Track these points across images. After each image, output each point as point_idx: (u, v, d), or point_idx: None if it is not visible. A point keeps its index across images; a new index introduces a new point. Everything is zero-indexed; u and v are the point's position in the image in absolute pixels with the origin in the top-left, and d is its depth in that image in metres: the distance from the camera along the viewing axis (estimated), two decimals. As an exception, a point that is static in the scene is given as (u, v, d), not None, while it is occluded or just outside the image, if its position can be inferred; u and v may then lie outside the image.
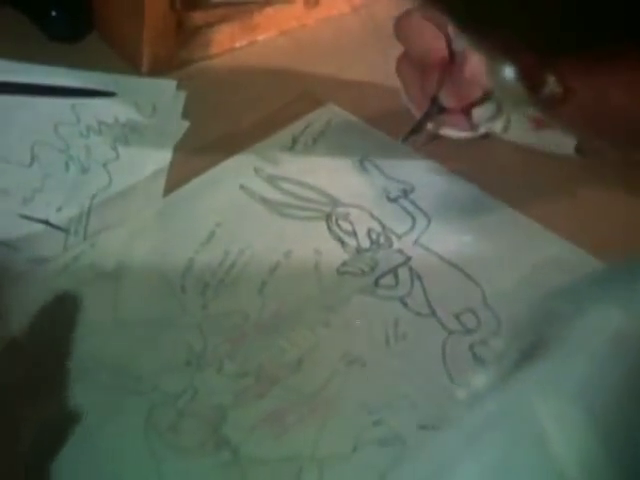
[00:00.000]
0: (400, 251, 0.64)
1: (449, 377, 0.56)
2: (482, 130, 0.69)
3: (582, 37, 0.34)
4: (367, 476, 0.51)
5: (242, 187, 0.67)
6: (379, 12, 0.82)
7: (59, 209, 0.64)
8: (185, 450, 0.52)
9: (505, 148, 0.70)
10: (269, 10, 0.79)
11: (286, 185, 0.68)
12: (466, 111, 0.67)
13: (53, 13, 0.76)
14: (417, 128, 0.68)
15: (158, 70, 0.75)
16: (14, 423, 0.52)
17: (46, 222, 0.63)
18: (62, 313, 0.58)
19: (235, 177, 0.68)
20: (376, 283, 0.62)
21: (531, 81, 0.37)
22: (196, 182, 0.67)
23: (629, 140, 0.40)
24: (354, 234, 0.65)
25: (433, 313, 0.60)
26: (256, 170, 0.68)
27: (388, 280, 0.62)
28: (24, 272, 0.59)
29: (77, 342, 0.56)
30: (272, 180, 0.68)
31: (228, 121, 0.72)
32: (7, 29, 0.76)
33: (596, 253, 0.63)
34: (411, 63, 0.67)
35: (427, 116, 0.67)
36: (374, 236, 0.64)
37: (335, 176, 0.69)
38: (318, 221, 0.65)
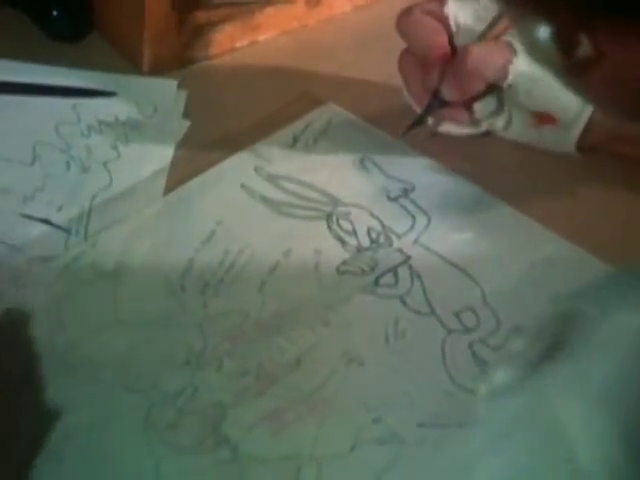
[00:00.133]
0: (400, 250, 0.64)
1: (448, 376, 0.56)
2: (483, 127, 0.69)
3: (620, 1, 0.35)
4: (365, 474, 0.51)
5: (243, 186, 0.67)
6: (380, 12, 0.82)
7: (60, 208, 0.64)
8: (184, 448, 0.52)
9: (505, 146, 0.70)
10: (270, 10, 0.80)
11: (287, 184, 0.68)
12: (468, 105, 0.67)
13: (54, 13, 0.76)
14: (417, 122, 0.68)
15: (159, 70, 0.75)
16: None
17: (47, 221, 0.63)
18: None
19: (236, 176, 0.68)
20: (376, 282, 0.62)
21: (565, 42, 0.37)
22: (197, 181, 0.67)
23: None
24: (354, 233, 0.65)
25: (433, 312, 0.60)
26: (257, 169, 0.69)
27: (388, 279, 0.62)
28: (25, 271, 0.59)
29: (78, 341, 0.56)
30: (273, 179, 0.68)
31: (229, 121, 0.72)
32: (8, 29, 0.76)
33: (596, 252, 0.63)
34: (413, 59, 0.67)
35: (428, 110, 0.67)
36: (374, 235, 0.65)
37: (335, 175, 0.69)
38: (318, 220, 0.66)
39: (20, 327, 0.56)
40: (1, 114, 0.70)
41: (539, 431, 0.35)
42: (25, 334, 0.56)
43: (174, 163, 0.68)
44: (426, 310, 0.60)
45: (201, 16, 0.76)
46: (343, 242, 0.64)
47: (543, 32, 0.38)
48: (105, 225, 0.63)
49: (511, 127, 0.68)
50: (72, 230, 0.63)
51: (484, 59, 0.65)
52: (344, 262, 0.63)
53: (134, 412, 0.53)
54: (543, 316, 0.56)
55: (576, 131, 0.66)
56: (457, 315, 0.60)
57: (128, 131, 0.70)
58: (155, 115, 0.72)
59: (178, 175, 0.67)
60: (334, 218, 0.66)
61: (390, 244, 0.64)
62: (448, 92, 0.65)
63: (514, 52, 0.65)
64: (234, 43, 0.79)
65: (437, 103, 0.67)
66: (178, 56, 0.76)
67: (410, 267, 0.63)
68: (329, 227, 0.65)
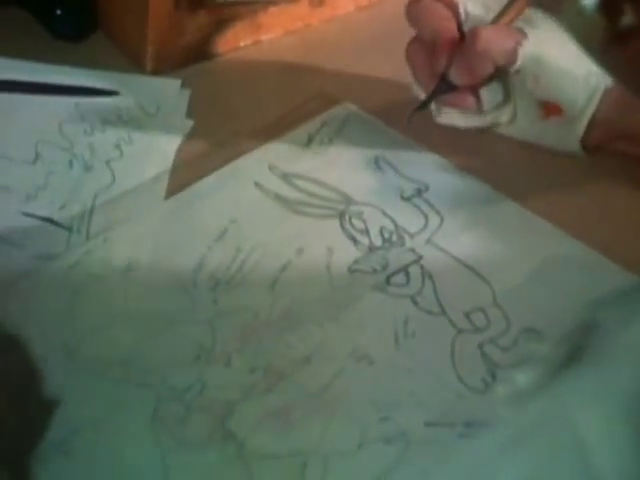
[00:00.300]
0: (412, 250, 0.64)
1: (457, 376, 0.56)
2: (488, 120, 0.69)
3: None
4: (371, 473, 0.51)
5: (257, 184, 0.68)
6: (383, 12, 0.82)
7: (62, 207, 0.64)
8: (191, 443, 0.52)
9: (514, 145, 0.70)
10: (274, 9, 0.80)
11: (300, 183, 0.68)
12: (476, 90, 0.67)
13: (58, 12, 0.76)
14: (423, 106, 0.68)
15: (162, 69, 0.76)
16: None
17: (49, 220, 0.63)
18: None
19: (250, 174, 0.68)
20: (387, 281, 0.62)
21: (610, 10, 0.37)
22: (211, 179, 0.67)
23: None
24: (367, 232, 0.65)
25: (443, 312, 0.60)
26: (271, 168, 0.69)
27: (399, 278, 0.62)
28: (27, 269, 0.60)
29: (88, 335, 0.57)
30: (287, 178, 0.68)
31: (232, 119, 0.72)
32: (12, 28, 0.77)
33: (606, 251, 0.63)
34: (421, 47, 0.67)
35: (435, 93, 0.67)
36: (386, 235, 0.65)
37: (349, 174, 0.69)
38: (331, 219, 0.66)
39: (27, 323, 0.57)
40: (4, 112, 0.70)
41: (557, 439, 0.35)
42: (32, 330, 0.56)
43: (177, 162, 0.68)
44: (437, 310, 0.60)
45: (204, 15, 0.76)
46: (355, 241, 0.64)
47: (589, 0, 0.38)
48: (108, 223, 0.63)
49: (515, 122, 0.68)
50: (74, 229, 0.63)
51: (494, 40, 0.64)
52: (356, 261, 0.63)
53: (142, 407, 0.54)
54: (564, 323, 0.56)
55: (580, 127, 0.66)
56: (467, 315, 0.60)
57: (131, 130, 0.70)
58: (158, 114, 0.72)
59: (181, 174, 0.68)
60: (347, 217, 0.66)
61: (402, 243, 0.64)
62: (456, 75, 0.65)
63: (524, 36, 0.64)
64: (238, 43, 0.79)
65: (444, 87, 0.66)
66: (181, 55, 0.76)
67: (422, 267, 0.63)
68: (342, 226, 0.65)
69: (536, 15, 0.66)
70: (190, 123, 0.72)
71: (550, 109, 0.66)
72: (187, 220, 0.64)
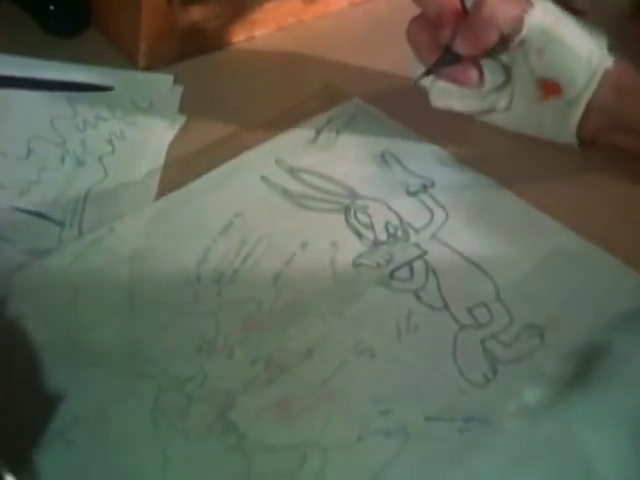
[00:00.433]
0: (417, 245, 0.64)
1: (458, 370, 0.56)
2: (485, 104, 0.69)
3: None
4: (370, 465, 0.51)
5: (263, 178, 0.68)
6: (376, 8, 0.82)
7: (54, 202, 0.64)
8: (191, 434, 0.52)
9: (516, 140, 0.70)
10: (267, 5, 0.80)
11: (307, 177, 0.68)
12: (478, 64, 0.67)
13: (51, 8, 0.76)
14: (427, 74, 0.68)
15: (155, 65, 0.76)
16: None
17: (41, 215, 0.63)
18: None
19: (256, 168, 0.68)
20: (391, 275, 0.62)
21: None
22: (217, 172, 0.68)
23: None
24: (372, 227, 0.65)
25: (446, 307, 0.60)
26: (278, 162, 0.69)
27: (403, 273, 0.62)
28: (19, 264, 0.60)
29: (91, 326, 0.57)
30: (293, 172, 0.68)
31: (225, 115, 0.72)
32: (5, 23, 0.77)
33: (607, 245, 0.63)
34: (423, 24, 0.67)
35: (439, 63, 0.67)
36: (391, 229, 0.65)
37: (356, 169, 0.69)
38: (337, 213, 0.66)
39: (30, 314, 0.57)
40: (-3, 107, 0.71)
41: (566, 459, 0.35)
42: (35, 321, 0.57)
43: (169, 157, 0.69)
44: (439, 305, 0.60)
45: (197, 11, 0.76)
46: (360, 235, 0.64)
47: None
48: (100, 219, 0.63)
49: (512, 109, 0.68)
50: (66, 224, 0.63)
51: (500, 7, 0.64)
52: (360, 255, 0.63)
53: (143, 397, 0.54)
54: (566, 319, 0.56)
55: (578, 111, 0.66)
56: (470, 311, 0.60)
57: (123, 125, 0.71)
58: (151, 109, 0.72)
59: (174, 169, 0.68)
60: (352, 211, 0.66)
61: (407, 238, 0.64)
62: (461, 44, 0.65)
63: (530, 4, 0.64)
64: (230, 39, 0.80)
65: (448, 59, 0.66)
66: (174, 51, 0.76)
67: (426, 262, 0.63)
68: (347, 220, 0.65)
69: None
70: (183, 118, 0.72)
71: (549, 88, 0.66)
72: (192, 213, 0.65)
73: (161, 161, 0.68)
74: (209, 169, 0.68)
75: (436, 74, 0.68)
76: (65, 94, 0.72)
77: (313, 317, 0.59)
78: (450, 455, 0.52)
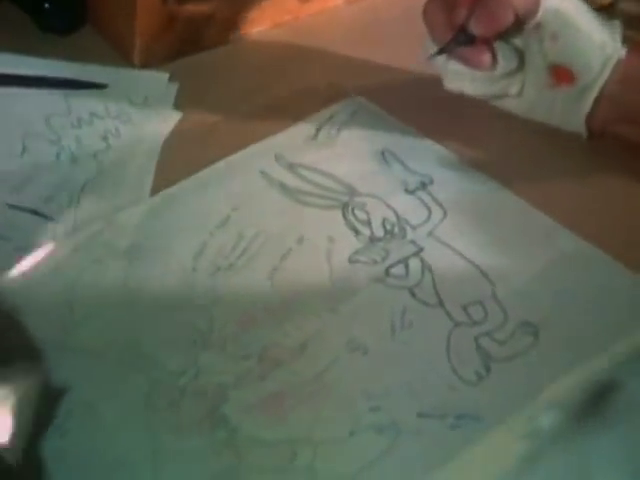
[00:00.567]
0: (413, 242, 0.64)
1: (451, 367, 0.56)
2: (497, 89, 0.68)
3: None
4: (360, 461, 0.51)
5: (262, 173, 0.68)
6: (372, 4, 0.82)
7: (49, 199, 0.64)
8: (182, 427, 0.52)
9: (517, 137, 0.70)
10: (263, 3, 0.80)
11: (306, 173, 0.68)
12: (492, 47, 0.66)
13: (47, 6, 0.77)
14: (440, 52, 0.67)
15: (150, 62, 0.76)
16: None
17: (35, 212, 0.63)
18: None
19: (256, 163, 0.69)
20: (387, 272, 0.62)
21: None
22: (215, 167, 0.68)
23: None
24: (369, 224, 0.65)
25: (441, 304, 0.60)
26: (277, 157, 0.69)
27: (399, 270, 0.62)
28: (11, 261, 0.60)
29: (85, 318, 0.57)
30: (292, 168, 0.68)
31: (220, 113, 0.73)
32: (1, 21, 0.77)
33: (607, 246, 0.63)
34: (440, 4, 0.66)
35: (453, 42, 0.66)
36: (388, 226, 0.65)
37: (355, 166, 0.69)
38: (334, 210, 0.66)
39: (26, 306, 0.57)
40: (-8, 105, 0.71)
41: None
42: (30, 314, 0.57)
43: (165, 155, 0.69)
44: (434, 302, 0.60)
45: (192, 9, 0.76)
46: (357, 232, 0.64)
47: None
48: (94, 215, 0.64)
49: (524, 94, 0.68)
50: (60, 221, 0.63)
51: None
52: (356, 252, 0.63)
53: (136, 390, 0.54)
54: (562, 318, 0.56)
55: (590, 98, 0.66)
56: (465, 308, 0.60)
57: (118, 123, 0.71)
58: (146, 107, 0.73)
59: (168, 166, 0.68)
60: (350, 208, 0.66)
61: (404, 235, 0.64)
62: (476, 24, 0.64)
63: None
64: (226, 36, 0.80)
65: (463, 39, 0.65)
66: (170, 49, 0.77)
67: (422, 259, 0.63)
68: (344, 216, 0.65)
69: None
70: (178, 116, 0.72)
71: (561, 75, 0.65)
72: (190, 206, 0.65)
73: (156, 158, 0.69)
74: (205, 166, 0.68)
75: (449, 54, 0.67)
76: (60, 92, 0.73)
77: (308, 313, 0.59)
78: (441, 451, 0.52)
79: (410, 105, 0.72)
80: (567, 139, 0.70)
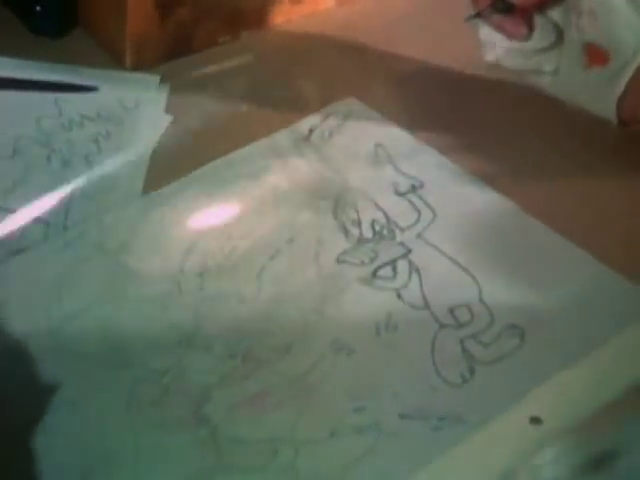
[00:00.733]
0: (402, 244, 0.64)
1: (435, 370, 0.56)
2: (532, 63, 0.68)
3: None
4: (341, 461, 0.51)
5: (253, 174, 0.68)
6: (363, 7, 0.82)
7: (40, 201, 0.65)
8: (164, 426, 0.53)
9: (507, 141, 0.70)
10: (254, 5, 0.80)
11: (298, 174, 0.68)
12: (530, 17, 0.66)
13: (37, 9, 0.77)
14: (477, 16, 0.67)
15: (141, 64, 0.76)
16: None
17: (27, 214, 0.64)
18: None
19: (248, 164, 0.69)
20: (374, 274, 0.62)
21: None
22: (207, 168, 0.68)
23: None
24: (358, 224, 0.65)
25: (427, 306, 0.60)
26: (269, 158, 0.69)
27: (386, 272, 0.62)
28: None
29: (72, 316, 0.58)
30: (284, 168, 0.69)
31: (212, 115, 0.73)
32: None
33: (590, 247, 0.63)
34: None
35: (491, 7, 0.66)
36: (377, 227, 0.65)
37: (348, 168, 0.69)
38: (325, 210, 0.66)
39: (12, 302, 0.58)
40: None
41: None
42: (16, 309, 0.57)
43: (156, 157, 0.69)
44: (421, 304, 0.60)
45: (183, 11, 0.76)
46: (347, 232, 0.64)
47: None
48: (85, 218, 0.64)
49: (560, 72, 0.67)
50: (51, 223, 0.63)
51: None
52: (344, 252, 0.63)
53: (119, 388, 0.54)
54: (549, 321, 0.56)
55: (622, 80, 0.64)
56: (451, 311, 0.59)
57: (109, 125, 0.71)
58: (137, 109, 0.73)
59: (159, 169, 0.68)
60: (340, 209, 0.66)
61: (393, 237, 0.64)
62: None
63: None
64: (217, 38, 0.80)
65: (501, 6, 0.65)
66: (161, 51, 0.77)
67: (410, 261, 0.63)
68: (335, 218, 0.65)
69: None
70: (169, 118, 0.72)
71: (595, 55, 0.64)
72: (180, 207, 0.65)
73: (147, 161, 0.69)
74: (195, 168, 0.68)
75: (485, 20, 0.67)
76: (51, 94, 0.73)
77: (294, 313, 0.59)
78: (422, 453, 0.52)
79: (403, 107, 0.72)
80: (561, 143, 0.70)
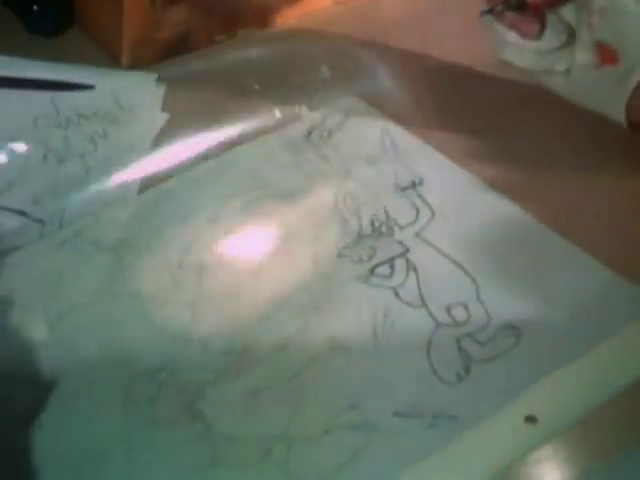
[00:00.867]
0: (400, 242, 0.64)
1: (431, 368, 0.56)
2: (545, 63, 0.68)
3: None
4: (335, 458, 0.51)
5: (253, 172, 0.68)
6: (359, 6, 0.82)
7: (36, 200, 0.65)
8: (158, 421, 0.53)
9: (506, 140, 0.70)
10: (250, 4, 0.80)
11: (297, 173, 0.68)
12: (543, 15, 0.66)
13: (34, 7, 0.78)
14: (489, 12, 0.67)
15: (138, 63, 0.77)
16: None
17: (22, 213, 0.64)
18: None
19: (247, 162, 0.69)
20: (372, 271, 0.62)
21: None
22: (208, 164, 0.69)
23: None
24: (358, 220, 0.65)
25: (424, 305, 0.60)
26: (268, 157, 0.70)
27: (384, 269, 0.62)
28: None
29: (69, 312, 0.58)
30: (283, 167, 0.69)
31: (208, 114, 0.73)
32: None
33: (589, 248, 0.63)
34: None
35: (504, 4, 0.66)
36: (377, 224, 0.65)
37: (347, 166, 0.69)
38: (324, 208, 0.66)
39: (12, 298, 0.58)
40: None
41: None
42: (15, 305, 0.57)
43: (152, 155, 0.69)
44: (418, 303, 0.60)
45: (180, 10, 0.77)
46: (346, 224, 0.64)
47: None
48: (82, 216, 0.64)
49: (572, 73, 0.67)
50: (47, 222, 0.63)
51: None
52: (345, 247, 0.63)
53: (114, 384, 0.54)
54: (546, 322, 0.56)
55: (630, 85, 0.64)
56: (448, 310, 0.59)
57: (106, 124, 0.71)
58: (134, 108, 0.73)
59: (155, 168, 0.68)
60: (340, 203, 0.66)
61: (391, 234, 0.64)
62: None
63: None
64: (214, 37, 0.80)
65: (514, 2, 0.65)
66: (157, 50, 0.77)
67: (407, 260, 0.63)
68: (334, 212, 0.65)
69: None
70: (165, 116, 0.72)
71: (605, 55, 0.64)
72: (179, 204, 0.65)
73: (143, 159, 0.69)
74: (192, 166, 0.68)
75: (498, 17, 0.67)
76: (48, 93, 0.73)
77: (291, 311, 0.59)
78: (416, 451, 0.52)
79: (402, 105, 0.72)
80: (564, 143, 0.70)
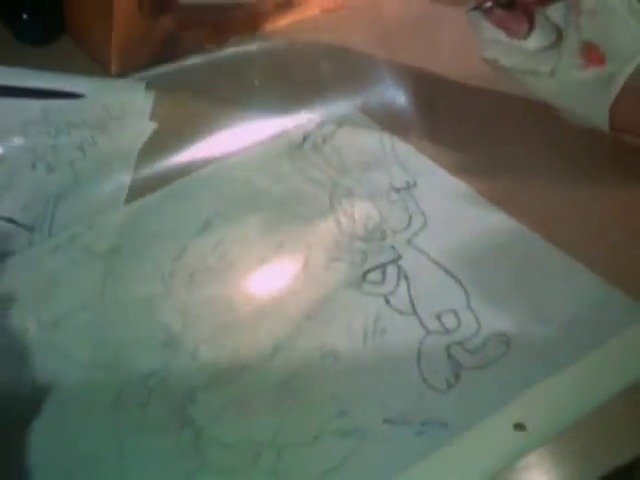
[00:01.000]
0: (392, 248, 0.64)
1: (421, 375, 0.56)
2: (530, 63, 0.67)
3: None
4: (324, 465, 0.52)
5: (247, 180, 0.69)
6: (348, 15, 0.82)
7: (25, 207, 0.65)
8: (149, 428, 0.53)
9: (496, 147, 0.70)
10: (240, 12, 0.80)
11: (290, 180, 0.69)
12: (532, 14, 0.66)
13: (24, 16, 0.78)
14: (477, 8, 0.67)
15: (127, 71, 0.77)
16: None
17: (11, 220, 0.64)
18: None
19: (242, 170, 0.69)
20: (363, 277, 0.62)
21: None
22: (200, 173, 0.69)
23: None
24: (352, 225, 0.65)
25: (414, 312, 0.60)
26: (263, 164, 0.70)
27: (375, 276, 0.62)
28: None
29: (61, 318, 0.58)
30: (278, 175, 0.69)
31: (197, 122, 0.73)
32: None
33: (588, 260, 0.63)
34: None
35: (494, 0, 0.66)
36: (370, 227, 0.65)
37: (340, 173, 0.70)
38: (318, 216, 0.66)
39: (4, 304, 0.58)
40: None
41: None
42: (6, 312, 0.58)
43: (140, 164, 0.69)
44: (408, 310, 0.60)
45: (169, 18, 0.77)
46: (340, 227, 0.65)
47: None
48: (70, 224, 0.64)
49: (557, 74, 0.66)
50: (36, 229, 0.64)
51: None
52: (337, 249, 0.63)
53: (105, 390, 0.55)
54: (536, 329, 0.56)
55: (615, 88, 0.64)
56: (438, 317, 0.60)
57: (95, 132, 0.71)
58: (122, 116, 0.73)
59: (144, 175, 0.68)
60: (334, 205, 0.66)
61: (383, 238, 0.64)
62: None
63: None
64: (203, 45, 0.80)
65: (503, 0, 0.65)
66: (146, 58, 0.77)
67: (399, 267, 0.63)
68: (329, 213, 0.66)
69: None
70: (153, 125, 0.73)
71: (591, 55, 0.64)
72: (173, 211, 0.66)
73: (132, 167, 0.69)
74: (181, 175, 0.69)
75: (486, 14, 0.67)
76: (38, 101, 0.73)
77: (282, 318, 0.59)
78: (405, 457, 0.52)
79: (392, 113, 0.73)
80: (555, 152, 0.70)
